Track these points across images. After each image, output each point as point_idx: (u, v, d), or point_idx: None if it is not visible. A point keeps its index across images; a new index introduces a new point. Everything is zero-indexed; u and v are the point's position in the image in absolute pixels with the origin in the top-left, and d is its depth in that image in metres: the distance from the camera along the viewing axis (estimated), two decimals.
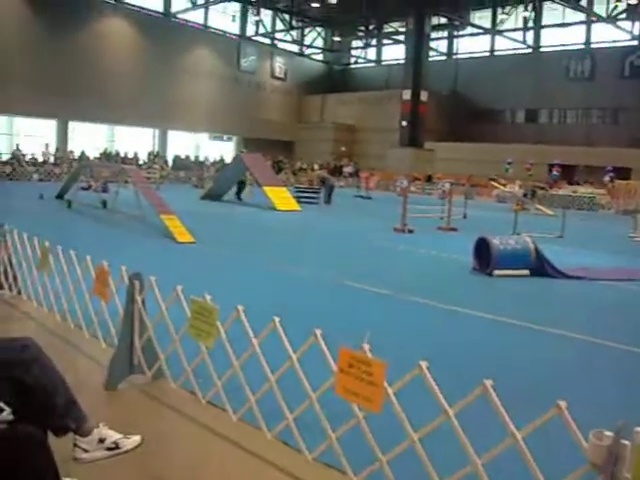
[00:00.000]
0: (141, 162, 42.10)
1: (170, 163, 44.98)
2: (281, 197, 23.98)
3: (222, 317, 4.40)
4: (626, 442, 2.47)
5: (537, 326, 7.95)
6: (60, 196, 22.72)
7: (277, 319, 4.11)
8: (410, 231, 18.02)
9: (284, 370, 4.12)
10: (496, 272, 11.58)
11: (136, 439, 3.57)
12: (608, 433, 2.52)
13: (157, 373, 5.19)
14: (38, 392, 3.13)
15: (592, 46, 50.79)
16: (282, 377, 4.16)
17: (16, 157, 35.74)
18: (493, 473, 3.15)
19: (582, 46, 51.10)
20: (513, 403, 3.41)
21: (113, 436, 3.50)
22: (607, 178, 38.05)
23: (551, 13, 52.29)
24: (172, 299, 4.93)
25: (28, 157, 36.70)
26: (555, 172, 40.42)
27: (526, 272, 11.79)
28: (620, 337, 7.55)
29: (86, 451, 3.41)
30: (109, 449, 3.46)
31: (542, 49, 53.35)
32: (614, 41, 49.25)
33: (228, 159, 44.34)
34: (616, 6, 47.48)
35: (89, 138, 43.30)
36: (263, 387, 4.25)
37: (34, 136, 39.92)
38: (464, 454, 3.17)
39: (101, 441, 3.44)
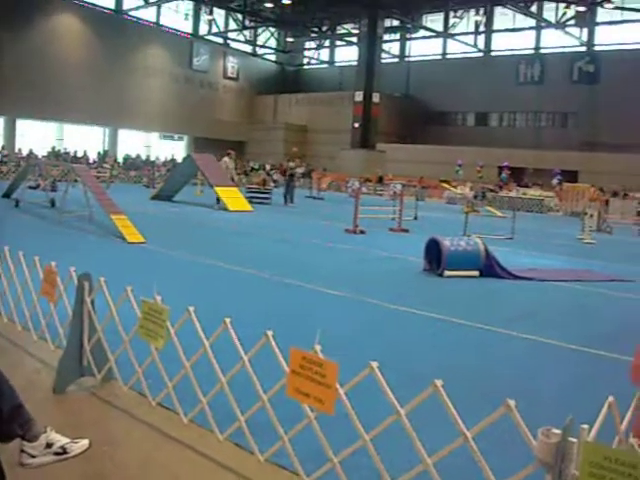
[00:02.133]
0: (91, 161, 41.56)
1: (121, 162, 44.47)
2: (233, 197, 23.86)
3: (173, 318, 4.36)
4: (573, 439, 2.51)
5: (486, 326, 8.04)
6: (7, 195, 22.28)
7: (228, 320, 4.09)
8: (362, 232, 18.08)
9: (235, 371, 4.10)
10: (447, 273, 11.69)
11: (84, 443, 3.51)
12: (556, 431, 2.55)
13: (107, 375, 5.13)
14: None
15: (542, 51, 51.72)
16: (234, 378, 4.14)
17: None
18: (444, 472, 3.18)
19: (532, 51, 52.01)
20: (464, 402, 3.44)
21: (61, 440, 3.43)
22: (555, 181, 38.71)
23: (502, 18, 53.06)
24: (122, 300, 4.87)
25: None
26: (505, 174, 40.98)
27: (476, 273, 11.92)
28: (567, 336, 7.68)
29: (33, 457, 3.34)
30: (56, 454, 3.40)
31: (493, 53, 54.12)
32: (563, 47, 50.15)
33: (179, 159, 44.03)
34: (565, 12, 48.39)
35: (38, 136, 42.60)
36: (214, 388, 4.22)
37: None
38: (416, 454, 3.19)
39: (48, 446, 3.38)
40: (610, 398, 3.14)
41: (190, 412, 4.43)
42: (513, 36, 52.55)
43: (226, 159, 26.04)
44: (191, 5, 54.56)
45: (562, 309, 9.95)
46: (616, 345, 7.27)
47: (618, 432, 3.27)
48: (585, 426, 2.54)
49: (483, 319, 8.38)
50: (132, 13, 49.52)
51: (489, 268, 11.99)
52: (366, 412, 3.65)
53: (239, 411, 4.07)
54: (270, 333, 3.83)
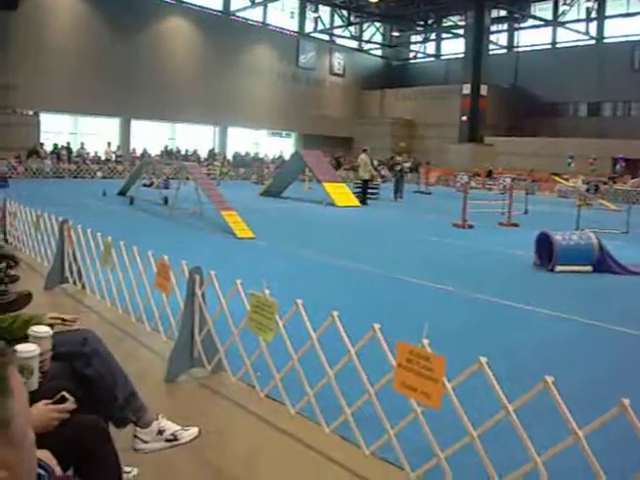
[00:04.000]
0: (202, 159, 42.56)
1: (230, 160, 45.34)
2: (340, 193, 23.96)
3: (281, 311, 4.41)
4: None
5: (601, 323, 7.78)
6: (122, 193, 23.10)
7: (335, 313, 4.10)
8: (470, 226, 17.82)
9: (342, 364, 4.10)
10: (558, 268, 11.37)
11: (194, 431, 3.60)
12: None
13: (216, 366, 5.24)
14: (98, 384, 3.19)
15: None
16: (341, 372, 4.15)
17: (81, 155, 36.51)
18: (554, 472, 3.09)
19: None
20: (575, 401, 3.34)
21: (172, 428, 3.53)
22: None
23: (615, 3, 51.09)
24: (232, 293, 4.96)
25: (91, 155, 37.47)
26: (619, 166, 39.52)
27: (589, 268, 11.55)
28: None
29: (145, 442, 3.45)
30: (168, 440, 3.50)
31: (606, 40, 52.16)
32: None
33: (287, 155, 44.51)
34: None
35: (151, 136, 43.92)
36: (321, 381, 4.24)
37: (98, 135, 40.64)
38: (524, 451, 3.12)
39: (160, 433, 3.48)
40: None
41: (297, 404, 4.48)
42: (627, 21, 50.48)
43: (363, 156, 26.24)
44: (297, 3, 55.00)
45: None
46: None
47: None
48: None
49: (595, 315, 8.11)
50: (239, 14, 50.34)
51: (603, 263, 11.58)
52: (473, 408, 3.60)
53: (346, 404, 4.08)
54: (377, 326, 3.82)
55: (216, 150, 46.31)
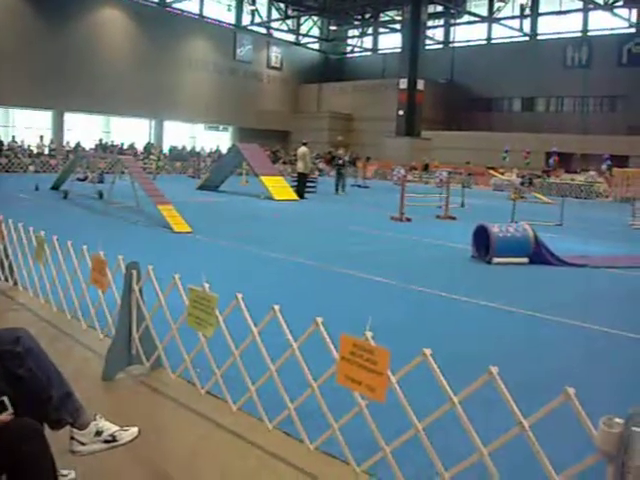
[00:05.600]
0: (138, 153, 41.94)
1: (167, 154, 44.80)
2: (278, 186, 23.91)
3: (221, 306, 4.33)
4: (637, 429, 2.40)
5: (538, 314, 7.89)
6: (56, 187, 22.60)
7: (277, 307, 4.03)
8: (408, 220, 17.95)
9: (285, 359, 4.04)
10: (495, 259, 11.52)
11: (133, 431, 3.48)
12: (619, 420, 2.44)
13: (155, 363, 5.14)
14: (32, 384, 3.06)
15: (589, 34, 50.57)
16: (283, 366, 4.09)
17: (12, 149, 35.57)
18: (500, 463, 3.09)
19: (579, 34, 50.88)
20: (519, 392, 3.34)
21: (110, 428, 3.41)
22: (604, 166, 37.97)
23: (548, 1, 52.10)
24: (170, 288, 4.85)
25: (23, 148, 36.58)
26: (552, 160, 40.34)
27: (525, 260, 11.74)
28: (626, 325, 7.49)
29: (83, 444, 3.33)
30: (106, 442, 3.38)
31: (539, 37, 53.17)
32: (611, 29, 49.07)
33: (224, 149, 44.24)
34: None
35: (85, 129, 43.14)
36: (263, 376, 4.18)
37: (31, 128, 39.77)
38: (470, 443, 3.11)
39: (98, 434, 3.36)
40: None
41: (239, 400, 4.40)
42: (560, 19, 51.54)
43: (303, 149, 26.07)
44: None
45: (615, 296, 9.73)
46: None
47: None
48: None
49: (532, 306, 8.23)
50: (176, 5, 49.75)
51: (539, 255, 11.78)
52: (419, 401, 3.58)
53: (288, 399, 4.02)
54: (320, 320, 3.77)
55: (153, 144, 45.68)
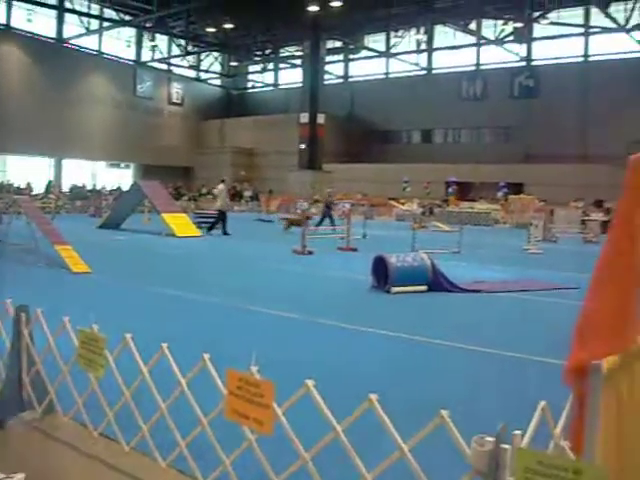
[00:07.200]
0: (35, 192, 40.94)
1: (67, 192, 43.91)
2: (180, 223, 23.78)
3: (113, 346, 4.31)
4: (506, 446, 2.53)
5: (429, 339, 8.11)
6: None
7: (165, 345, 4.05)
8: (310, 252, 18.11)
9: (175, 397, 4.05)
10: (394, 289, 11.76)
11: (19, 477, 3.44)
12: (489, 438, 2.57)
13: (48, 407, 5.03)
14: None
15: (483, 67, 52.52)
16: (175, 404, 4.09)
17: None
18: None
19: (473, 67, 52.77)
20: (404, 415, 3.46)
21: None
22: (501, 193, 39.30)
23: (443, 36, 53.91)
24: (59, 331, 4.79)
25: None
26: (451, 189, 41.48)
27: (424, 288, 12.02)
28: (509, 345, 7.79)
29: None
30: None
31: (435, 71, 54.85)
32: (503, 62, 51.09)
33: (126, 187, 43.71)
34: (503, 29, 49.37)
35: None
36: (155, 415, 4.17)
37: None
38: (356, 470, 3.19)
39: None
40: (542, 403, 3.19)
41: (132, 440, 4.37)
42: (454, 54, 53.40)
43: (221, 186, 25.87)
44: (133, 32, 54.34)
45: (506, 319, 10.10)
46: (556, 350, 7.37)
47: (553, 436, 3.31)
48: (518, 432, 2.57)
49: (426, 332, 8.46)
50: (73, 41, 49.14)
51: (436, 283, 12.10)
52: (307, 431, 3.65)
53: (179, 436, 4.03)
54: (207, 356, 3.81)
55: (51, 182, 44.70)
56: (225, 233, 24.58)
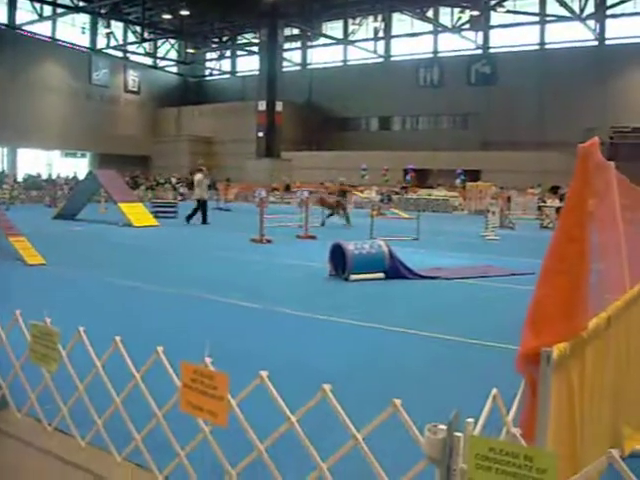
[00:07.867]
0: None
1: (21, 182, 43.19)
2: (137, 213, 23.58)
3: (67, 340, 4.26)
4: (459, 434, 2.56)
5: (385, 326, 8.18)
6: None
7: (118, 338, 4.02)
8: (268, 241, 18.10)
9: (129, 390, 4.03)
10: (352, 277, 11.81)
11: None
12: (442, 426, 2.59)
13: (1, 403, 4.96)
14: None
15: (440, 55, 52.78)
16: (129, 397, 4.06)
17: None
18: (339, 475, 3.20)
19: (431, 55, 53.01)
20: (359, 404, 3.48)
21: None
22: (458, 181, 39.62)
23: (400, 24, 54.05)
24: (11, 324, 4.73)
25: None
26: (409, 176, 41.69)
27: (381, 275, 12.09)
28: (465, 330, 7.89)
29: None
30: None
31: (393, 58, 55.00)
32: (460, 50, 51.42)
33: (82, 176, 43.14)
34: (460, 17, 49.68)
35: None
36: (109, 409, 4.14)
37: None
38: (311, 460, 3.21)
39: None
40: (494, 390, 3.22)
41: (87, 435, 4.34)
42: (412, 41, 53.63)
43: (199, 175, 25.51)
44: (88, 18, 53.54)
45: (463, 305, 10.20)
46: (510, 336, 7.47)
47: (505, 423, 3.36)
48: (470, 420, 2.60)
49: (383, 320, 8.52)
50: (26, 28, 48.26)
51: (394, 270, 12.18)
52: (262, 422, 3.65)
53: (135, 430, 4.00)
54: (160, 349, 3.78)
55: (5, 172, 43.95)
56: (204, 222, 24.40)
